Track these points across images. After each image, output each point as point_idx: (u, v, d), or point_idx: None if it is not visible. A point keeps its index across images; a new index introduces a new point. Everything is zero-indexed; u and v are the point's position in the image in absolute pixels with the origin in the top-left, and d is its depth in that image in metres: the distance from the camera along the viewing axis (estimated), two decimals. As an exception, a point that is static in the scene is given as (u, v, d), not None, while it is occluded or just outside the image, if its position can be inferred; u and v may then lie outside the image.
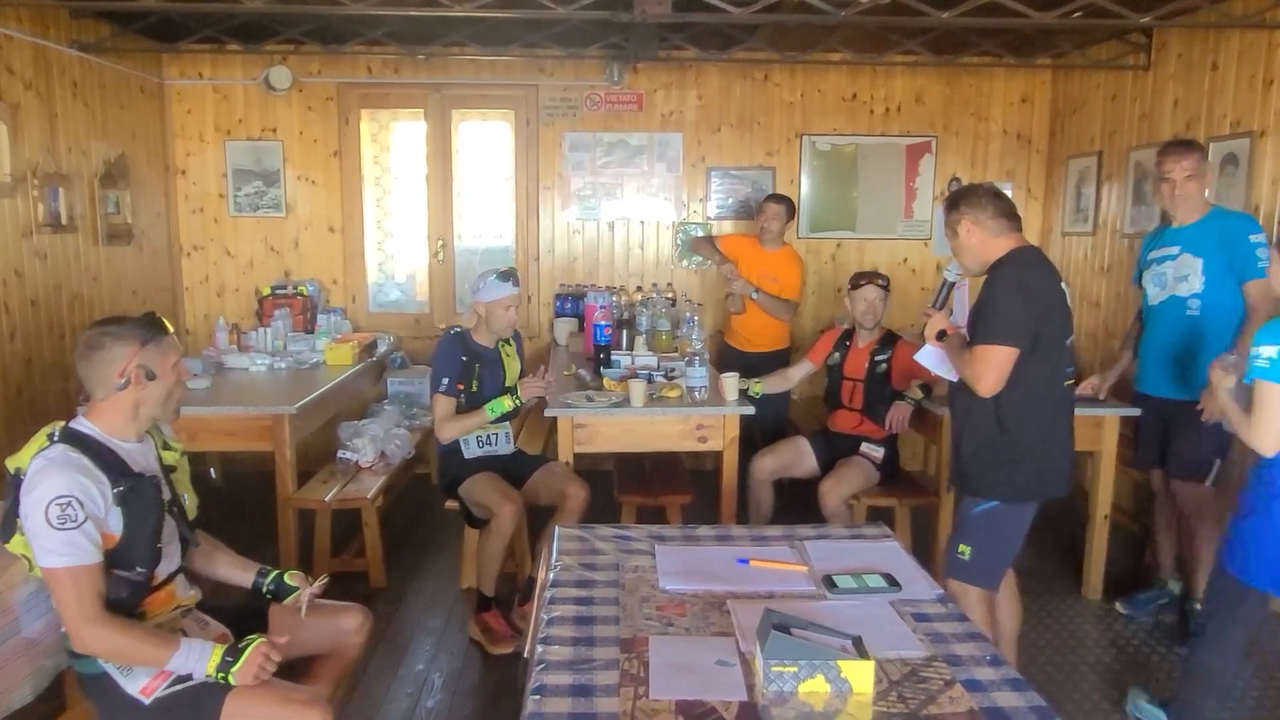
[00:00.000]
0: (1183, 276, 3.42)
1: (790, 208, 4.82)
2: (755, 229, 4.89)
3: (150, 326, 2.08)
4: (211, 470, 5.29)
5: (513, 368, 3.73)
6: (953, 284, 3.01)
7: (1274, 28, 3.76)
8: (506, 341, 3.72)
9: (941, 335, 2.86)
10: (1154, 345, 3.57)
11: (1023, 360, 2.59)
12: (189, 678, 2.00)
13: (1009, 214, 2.73)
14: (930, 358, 2.96)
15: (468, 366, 3.53)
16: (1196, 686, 2.69)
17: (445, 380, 3.49)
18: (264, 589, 2.33)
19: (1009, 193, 5.75)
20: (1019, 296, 2.59)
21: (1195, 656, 2.69)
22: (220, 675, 1.97)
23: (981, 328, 2.64)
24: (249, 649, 1.99)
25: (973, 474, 2.79)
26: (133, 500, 2.00)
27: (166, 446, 2.22)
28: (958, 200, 2.78)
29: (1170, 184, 3.39)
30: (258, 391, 4.16)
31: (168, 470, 2.18)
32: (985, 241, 2.72)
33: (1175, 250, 3.47)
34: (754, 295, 4.70)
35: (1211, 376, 2.63)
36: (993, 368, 2.59)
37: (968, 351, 2.69)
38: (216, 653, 1.99)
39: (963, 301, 3.17)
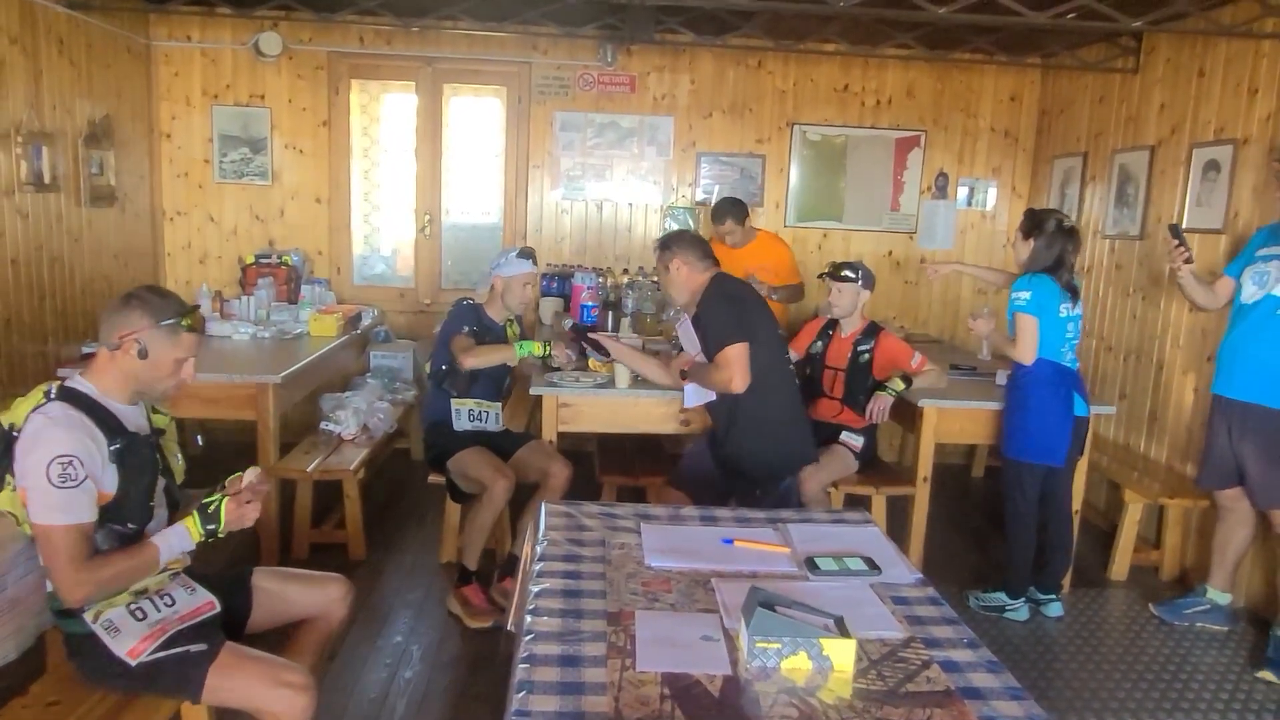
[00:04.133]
0: None
1: (724, 210, 4.73)
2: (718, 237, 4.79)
3: (179, 314, 2.07)
4: (199, 437, 5.22)
5: None
6: (676, 325, 3.43)
7: (1261, 37, 3.83)
8: (511, 322, 3.74)
9: (684, 374, 3.34)
10: (1236, 343, 3.45)
11: (752, 353, 3.08)
12: (177, 640, 2.02)
13: (709, 254, 3.31)
14: (691, 395, 3.36)
15: (478, 337, 3.55)
16: (1014, 552, 3.67)
17: (466, 328, 3.53)
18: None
19: (994, 191, 5.90)
20: (725, 303, 3.16)
21: (1008, 530, 3.67)
22: (208, 539, 2.06)
23: (713, 339, 3.14)
24: (220, 509, 2.06)
25: (760, 466, 3.24)
26: (129, 458, 2.02)
27: (155, 410, 2.23)
28: (670, 243, 3.31)
29: None
30: (241, 360, 4.14)
31: (157, 432, 2.19)
32: (692, 276, 3.25)
33: None
34: (774, 296, 4.65)
35: (978, 329, 3.71)
36: (735, 364, 3.06)
37: (710, 364, 3.16)
38: (193, 526, 2.05)
39: (688, 335, 3.34)
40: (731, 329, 3.10)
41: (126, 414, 2.08)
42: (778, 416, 3.21)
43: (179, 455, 2.28)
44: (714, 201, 5.08)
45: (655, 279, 5.40)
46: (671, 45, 5.46)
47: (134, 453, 2.03)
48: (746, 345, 3.08)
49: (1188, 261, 3.46)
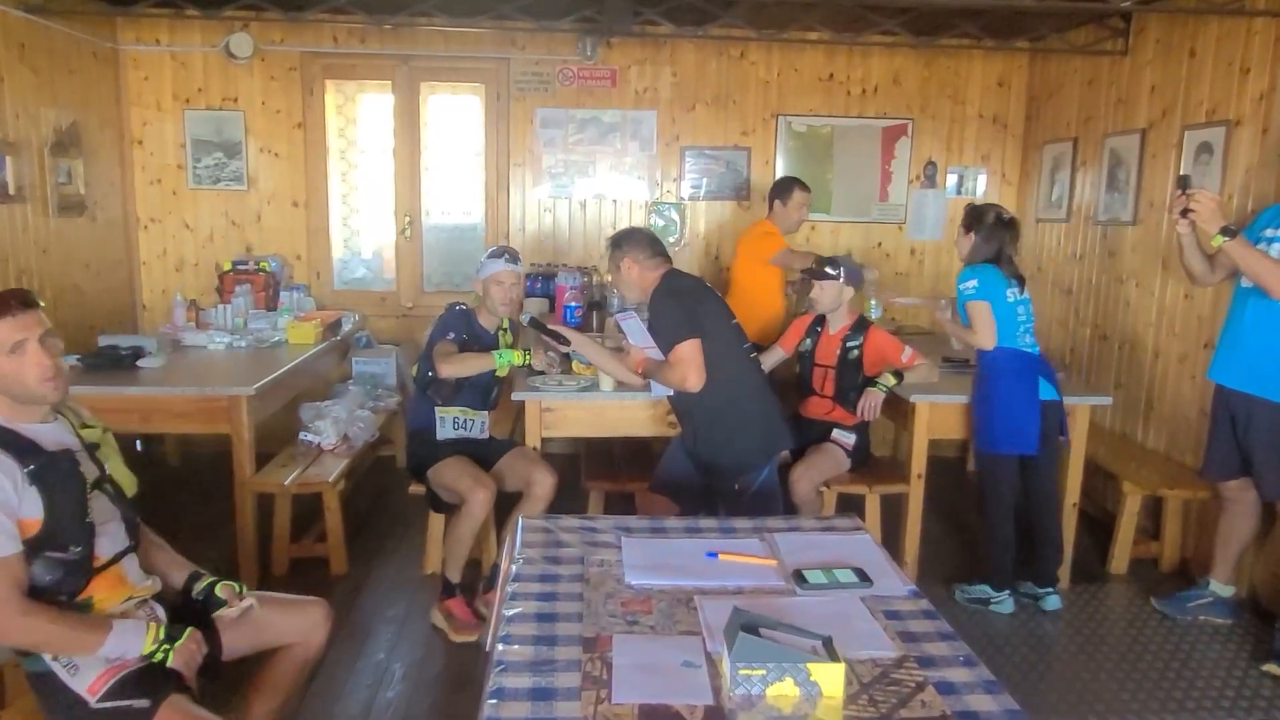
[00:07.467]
0: None
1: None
2: (782, 220, 4.75)
3: None
4: (137, 443, 5.02)
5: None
6: (616, 316, 3.49)
7: (1253, 14, 3.73)
8: (505, 330, 3.63)
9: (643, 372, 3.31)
10: (1235, 331, 3.32)
11: (705, 348, 3.05)
12: (124, 689, 1.94)
13: (660, 251, 3.27)
14: (657, 386, 3.32)
15: (465, 345, 3.44)
16: (993, 544, 3.62)
17: (451, 334, 3.43)
18: (194, 593, 2.24)
19: (983, 178, 5.80)
20: (673, 300, 3.12)
21: (986, 523, 3.63)
22: (157, 656, 1.97)
23: (664, 338, 3.12)
24: (181, 638, 2.01)
25: (731, 458, 3.20)
26: (48, 478, 1.91)
27: (85, 425, 2.13)
28: (620, 242, 3.29)
29: None
30: (216, 371, 4.02)
31: (91, 447, 2.09)
32: (643, 274, 3.23)
33: None
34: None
35: (939, 318, 3.83)
36: (688, 361, 3.04)
37: (664, 363, 3.13)
38: (152, 635, 1.98)
39: (631, 329, 3.32)
40: (680, 326, 3.07)
41: (41, 433, 1.98)
42: (742, 406, 3.16)
43: (121, 470, 2.16)
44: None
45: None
46: (652, 37, 5.34)
47: (54, 470, 1.93)
48: (698, 341, 3.05)
49: (1184, 213, 3.10)
